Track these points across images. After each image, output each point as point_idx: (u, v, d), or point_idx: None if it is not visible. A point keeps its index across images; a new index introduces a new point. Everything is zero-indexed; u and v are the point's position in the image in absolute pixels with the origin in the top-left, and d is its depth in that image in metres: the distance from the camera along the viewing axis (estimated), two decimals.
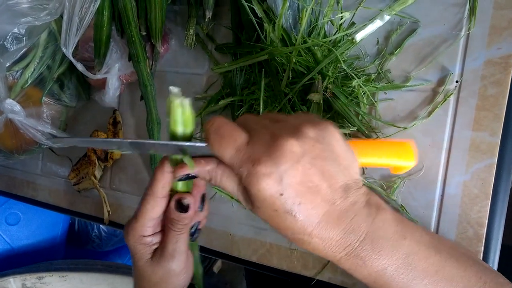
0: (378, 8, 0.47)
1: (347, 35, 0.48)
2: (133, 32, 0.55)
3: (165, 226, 0.37)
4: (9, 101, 0.56)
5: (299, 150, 0.28)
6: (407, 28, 0.47)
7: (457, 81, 0.44)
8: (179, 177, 0.34)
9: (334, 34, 0.48)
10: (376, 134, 0.47)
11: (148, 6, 0.55)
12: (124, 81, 0.62)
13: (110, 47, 0.57)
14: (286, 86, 0.48)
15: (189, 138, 0.32)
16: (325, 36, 0.48)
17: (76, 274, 0.86)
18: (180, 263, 0.37)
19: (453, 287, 0.29)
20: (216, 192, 0.56)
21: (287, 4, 0.45)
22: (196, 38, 0.57)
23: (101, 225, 1.13)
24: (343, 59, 0.47)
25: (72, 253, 1.11)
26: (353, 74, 0.47)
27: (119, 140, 0.34)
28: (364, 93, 0.47)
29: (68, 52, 0.52)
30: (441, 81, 0.45)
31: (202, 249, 0.57)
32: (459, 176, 0.44)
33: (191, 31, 0.56)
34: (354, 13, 0.48)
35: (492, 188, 0.42)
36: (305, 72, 0.48)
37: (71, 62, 0.55)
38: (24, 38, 0.56)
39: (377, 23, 0.47)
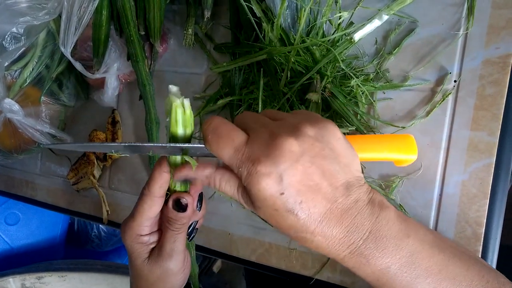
0: (377, 8, 0.47)
1: (345, 35, 0.48)
2: (132, 31, 0.55)
3: (163, 225, 0.37)
4: (7, 101, 0.56)
5: (298, 149, 0.28)
6: (406, 27, 0.47)
7: (455, 81, 0.44)
8: (177, 180, 0.34)
9: (333, 34, 0.48)
10: (375, 134, 0.47)
11: (146, 5, 0.55)
12: (123, 80, 0.61)
13: (108, 47, 0.57)
14: (285, 86, 0.48)
15: (189, 138, 0.32)
16: (323, 35, 0.48)
17: (75, 274, 0.86)
18: (178, 263, 0.37)
19: (456, 285, 0.29)
20: (215, 192, 0.56)
21: (286, 3, 0.45)
22: (195, 38, 0.57)
23: (100, 225, 1.13)
24: (341, 59, 0.47)
25: (71, 253, 1.11)
26: (351, 74, 0.47)
27: (116, 144, 0.33)
28: (362, 93, 0.47)
29: (67, 51, 0.52)
30: (440, 81, 0.45)
31: (201, 248, 0.57)
32: (458, 176, 0.44)
33: (190, 30, 0.56)
34: (353, 12, 0.48)
35: (490, 187, 0.42)
36: (304, 71, 0.48)
37: (69, 62, 0.55)
38: (22, 38, 0.56)
39: (376, 23, 0.47)
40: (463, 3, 0.44)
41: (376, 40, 0.48)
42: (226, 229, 0.56)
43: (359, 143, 0.37)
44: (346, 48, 0.48)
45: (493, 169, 0.42)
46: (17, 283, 0.84)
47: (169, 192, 0.36)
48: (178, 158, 0.33)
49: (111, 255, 1.19)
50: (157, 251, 0.37)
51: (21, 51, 0.56)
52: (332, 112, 0.48)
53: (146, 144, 0.33)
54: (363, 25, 0.47)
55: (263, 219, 0.53)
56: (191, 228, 0.38)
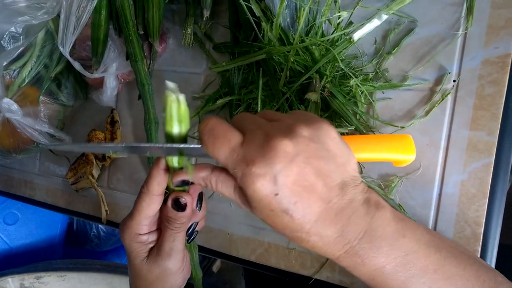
0: (376, 7, 0.47)
1: (344, 34, 0.48)
2: (131, 31, 0.55)
3: (162, 224, 0.37)
4: (6, 100, 0.56)
5: (292, 150, 0.28)
6: (405, 27, 0.47)
7: (454, 81, 0.44)
8: (175, 183, 0.34)
9: (332, 33, 0.48)
10: (374, 133, 0.47)
11: (145, 5, 0.55)
12: (122, 80, 0.61)
13: (107, 46, 0.57)
14: (284, 85, 0.48)
15: (184, 135, 0.32)
16: (322, 35, 0.48)
17: (74, 274, 0.86)
18: (177, 262, 0.37)
19: (452, 285, 0.29)
20: (214, 191, 0.56)
21: (285, 3, 0.45)
22: (194, 37, 0.57)
23: (99, 225, 1.13)
24: (340, 59, 0.47)
25: (70, 253, 1.11)
26: (351, 74, 0.47)
27: (113, 145, 0.33)
28: (361, 93, 0.47)
29: (66, 51, 0.52)
30: (439, 81, 0.45)
31: (201, 248, 0.57)
32: (457, 175, 0.44)
33: (189, 30, 0.56)
34: (352, 12, 0.48)
35: (489, 187, 0.42)
36: (303, 71, 0.48)
37: (68, 61, 0.54)
38: (21, 37, 0.56)
39: (375, 22, 0.47)
40: (462, 3, 0.44)
41: (376, 40, 0.48)
42: (226, 229, 0.56)
43: (357, 143, 0.37)
44: (345, 48, 0.48)
45: (492, 168, 0.42)
46: (16, 283, 0.84)
47: (168, 191, 0.36)
48: (175, 159, 0.33)
49: (110, 255, 1.19)
50: (156, 250, 0.37)
51: (19, 50, 0.56)
52: (331, 111, 0.48)
53: (143, 145, 0.33)
54: (363, 25, 0.47)
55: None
56: (191, 230, 0.38)
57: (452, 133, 0.44)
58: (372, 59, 0.48)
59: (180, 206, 0.35)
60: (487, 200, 0.42)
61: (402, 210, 0.46)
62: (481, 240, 0.43)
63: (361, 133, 0.47)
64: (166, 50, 0.61)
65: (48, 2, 0.53)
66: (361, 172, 0.48)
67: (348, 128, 0.46)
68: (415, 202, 0.45)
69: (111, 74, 0.58)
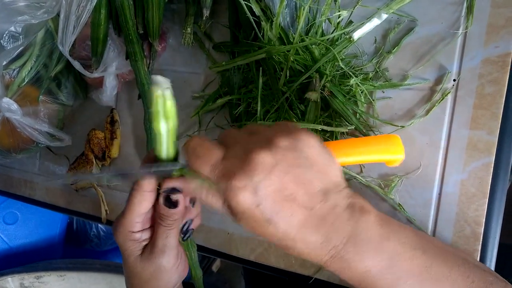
0: (376, 7, 0.47)
1: (344, 34, 0.48)
2: (131, 30, 0.55)
3: (155, 221, 0.37)
4: (6, 100, 0.56)
5: (271, 161, 0.29)
6: (405, 26, 0.47)
7: (454, 80, 0.44)
8: (164, 190, 0.34)
9: (332, 33, 0.48)
10: (374, 133, 0.47)
11: (145, 4, 0.54)
12: (122, 79, 0.61)
13: (107, 46, 0.57)
14: (284, 85, 0.48)
15: (173, 131, 0.32)
16: (322, 34, 0.48)
17: (74, 273, 0.86)
18: (171, 259, 0.37)
19: (439, 286, 0.30)
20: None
21: (285, 2, 0.45)
22: (193, 37, 0.57)
23: (99, 225, 1.13)
24: (340, 58, 0.47)
25: (70, 253, 1.11)
26: (350, 73, 0.47)
27: (104, 174, 0.34)
28: (361, 92, 0.47)
29: (65, 50, 0.52)
30: (439, 80, 0.45)
31: (200, 248, 0.57)
32: (457, 175, 0.44)
33: (189, 29, 0.56)
34: (352, 11, 0.48)
35: (489, 186, 0.42)
36: (303, 70, 0.48)
37: (68, 61, 0.54)
38: (20, 37, 0.56)
39: (375, 22, 0.47)
40: (462, 2, 0.44)
41: (375, 39, 0.48)
42: (225, 228, 0.56)
43: (344, 148, 0.37)
44: (345, 47, 0.48)
45: (492, 168, 0.42)
46: (16, 283, 0.84)
47: (160, 187, 0.36)
48: (164, 152, 0.33)
49: (110, 255, 1.19)
50: (149, 248, 0.37)
51: (19, 50, 0.56)
52: (331, 111, 0.48)
53: (133, 172, 0.34)
54: (362, 24, 0.47)
55: None
56: (186, 227, 0.38)
57: (452, 133, 0.44)
58: (372, 59, 0.48)
59: (171, 203, 0.35)
60: (487, 199, 0.42)
61: (402, 209, 0.46)
62: (481, 240, 0.43)
63: (361, 132, 0.47)
64: (166, 49, 0.61)
65: (47, 2, 0.52)
66: (360, 171, 0.48)
67: (348, 128, 0.46)
68: (415, 202, 0.45)
69: (111, 74, 0.58)
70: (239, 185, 0.29)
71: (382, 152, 0.37)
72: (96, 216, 0.67)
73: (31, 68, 0.60)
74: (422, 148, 0.45)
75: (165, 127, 0.31)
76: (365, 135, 0.47)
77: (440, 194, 0.44)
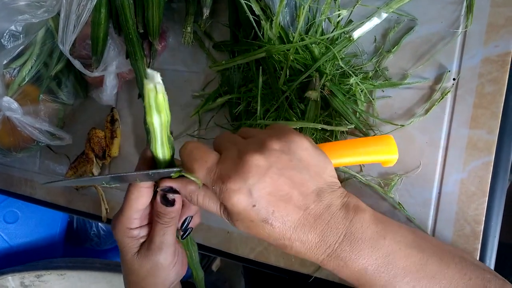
0: (376, 6, 0.47)
1: (344, 33, 0.48)
2: (131, 29, 0.55)
3: (153, 218, 0.37)
4: (6, 99, 0.56)
5: (265, 163, 0.30)
6: (405, 25, 0.47)
7: (454, 79, 0.44)
8: (162, 188, 0.34)
9: (332, 32, 0.48)
10: (374, 132, 0.47)
11: (145, 3, 0.54)
12: (122, 78, 0.61)
13: (107, 45, 0.57)
14: (284, 84, 0.48)
15: (165, 125, 0.31)
16: (322, 33, 0.48)
17: (74, 272, 0.87)
18: (168, 256, 0.37)
19: (436, 284, 0.30)
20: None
21: (284, 1, 0.45)
22: (193, 36, 0.57)
23: (99, 223, 1.13)
24: (340, 57, 0.47)
25: (70, 252, 1.11)
26: (350, 72, 0.47)
27: (102, 176, 0.35)
28: (361, 91, 0.47)
29: (65, 49, 0.52)
30: (439, 79, 0.45)
31: (200, 246, 0.57)
32: (456, 174, 0.44)
33: (189, 28, 0.56)
34: (352, 10, 0.48)
35: (489, 185, 0.42)
36: (303, 69, 0.48)
37: (68, 60, 0.54)
38: (21, 36, 0.56)
39: (375, 21, 0.47)
40: (462, 1, 0.44)
41: (375, 38, 0.48)
42: (225, 227, 0.56)
43: (338, 149, 0.37)
44: (345, 46, 0.48)
45: (492, 167, 0.42)
46: (16, 281, 0.84)
47: (157, 184, 0.36)
48: (159, 150, 0.33)
49: (110, 254, 1.19)
50: (146, 245, 0.37)
51: (19, 49, 0.56)
52: (331, 110, 0.48)
53: (130, 173, 0.34)
54: (362, 23, 0.47)
55: None
56: (185, 225, 0.38)
57: (452, 132, 0.44)
58: (372, 58, 0.48)
59: (168, 201, 0.35)
60: (487, 198, 0.42)
61: (402, 208, 0.46)
62: (480, 239, 0.43)
63: (361, 131, 0.47)
64: (166, 48, 0.61)
65: (48, 1, 0.53)
66: (360, 171, 0.48)
67: (348, 127, 0.46)
68: (415, 201, 0.45)
69: (111, 73, 0.58)
70: (234, 187, 0.29)
71: (376, 153, 0.37)
72: (96, 215, 0.67)
73: (31, 67, 0.60)
74: (422, 147, 0.45)
75: (158, 121, 0.30)
76: (365, 134, 0.47)
77: (440, 193, 0.44)
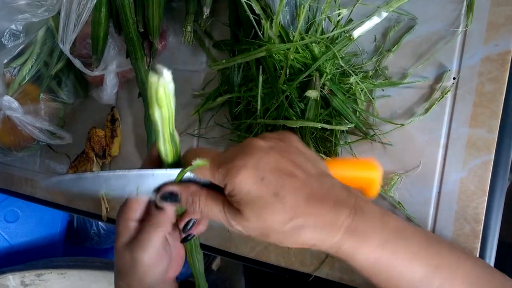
0: (376, 5, 0.47)
1: (344, 32, 0.48)
2: (131, 29, 0.55)
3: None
4: (6, 98, 0.56)
5: (266, 145, 0.31)
6: (405, 25, 0.47)
7: (454, 78, 0.44)
8: (162, 194, 0.34)
9: (332, 31, 0.48)
10: (374, 131, 0.47)
11: (145, 2, 0.55)
12: (122, 78, 0.61)
13: (107, 44, 0.57)
14: (284, 83, 0.48)
15: (167, 119, 0.31)
16: (322, 33, 0.48)
17: (75, 271, 0.87)
18: (150, 256, 0.36)
19: (446, 264, 0.31)
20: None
21: (285, 0, 0.45)
22: (193, 35, 0.57)
23: (100, 222, 1.13)
24: (340, 56, 0.47)
25: (71, 251, 1.11)
26: (350, 71, 0.47)
27: (106, 174, 0.35)
28: (361, 90, 0.47)
29: (66, 49, 0.52)
30: (439, 78, 0.45)
31: (200, 246, 0.57)
32: (456, 173, 0.44)
33: (189, 28, 0.56)
34: (352, 9, 0.48)
35: (489, 184, 0.42)
36: (303, 69, 0.48)
37: (68, 59, 0.54)
38: (21, 35, 0.56)
39: (375, 20, 0.47)
40: (462, 0, 0.44)
41: (375, 37, 0.48)
42: (225, 226, 0.56)
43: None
44: (345, 45, 0.48)
45: (491, 166, 0.42)
46: (17, 280, 0.84)
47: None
48: (161, 143, 0.33)
49: (110, 253, 1.19)
50: (134, 239, 0.38)
51: (20, 48, 0.56)
52: (331, 109, 0.48)
53: (135, 172, 0.34)
54: (362, 22, 0.47)
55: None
56: (187, 228, 0.38)
57: (452, 131, 0.44)
58: (372, 57, 0.48)
59: (156, 206, 0.36)
60: (487, 197, 0.42)
61: (402, 207, 0.46)
62: (480, 238, 0.43)
63: (360, 130, 0.47)
64: (166, 48, 0.61)
65: (48, 0, 0.53)
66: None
67: (348, 126, 0.46)
68: (415, 200, 0.46)
69: (111, 72, 0.58)
70: (241, 163, 0.30)
71: (360, 171, 0.38)
72: (96, 214, 0.67)
73: (31, 66, 0.60)
74: (422, 146, 0.45)
75: (159, 115, 0.30)
76: (364, 133, 0.47)
77: (439, 192, 0.44)
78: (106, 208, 0.65)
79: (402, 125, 0.46)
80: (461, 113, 0.44)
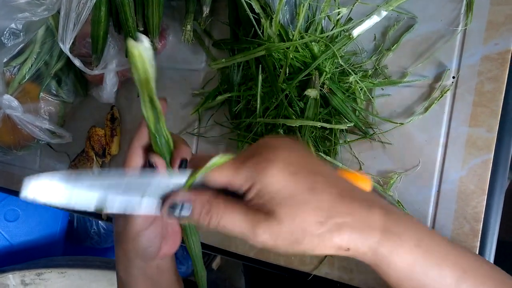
0: (375, 4, 0.47)
1: (344, 31, 0.48)
2: (131, 28, 0.55)
3: None
4: (6, 97, 0.56)
5: (285, 144, 0.29)
6: (404, 24, 0.47)
7: (454, 77, 0.44)
8: (172, 202, 0.31)
9: (331, 30, 0.48)
10: (373, 130, 0.47)
11: (145, 1, 0.55)
12: (122, 77, 0.61)
13: (107, 43, 0.57)
14: (283, 82, 0.48)
15: (145, 84, 0.32)
16: (322, 31, 0.48)
17: (75, 270, 0.87)
18: (143, 221, 0.35)
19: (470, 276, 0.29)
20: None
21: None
22: (193, 34, 0.57)
23: (100, 222, 1.13)
24: (340, 55, 0.47)
25: (71, 250, 1.11)
26: (350, 70, 0.47)
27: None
28: (361, 89, 0.47)
29: (66, 47, 0.52)
30: (438, 77, 0.45)
31: (200, 245, 0.57)
32: (456, 172, 0.44)
33: (189, 26, 0.56)
34: (351, 8, 0.48)
35: (488, 183, 0.42)
36: (302, 67, 0.48)
37: (68, 58, 0.54)
38: (21, 34, 0.56)
39: (374, 19, 0.47)
40: None
41: (375, 36, 0.48)
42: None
43: None
44: (344, 44, 0.48)
45: (491, 165, 0.42)
46: (17, 280, 0.84)
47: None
48: (144, 113, 0.33)
49: (110, 252, 1.19)
50: None
51: (19, 47, 0.56)
52: (330, 108, 0.48)
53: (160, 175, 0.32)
54: (362, 21, 0.47)
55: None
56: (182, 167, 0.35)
57: (451, 130, 0.44)
58: (372, 56, 0.48)
59: (151, 167, 0.34)
60: (486, 196, 0.42)
61: (401, 206, 0.46)
62: (479, 237, 0.43)
63: (360, 129, 0.47)
64: (165, 47, 0.61)
65: None
66: (360, 169, 0.48)
67: (348, 125, 0.46)
68: (414, 199, 0.46)
69: (111, 71, 0.58)
70: (270, 156, 0.27)
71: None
72: (96, 213, 0.67)
73: (31, 65, 0.60)
74: (421, 145, 0.45)
75: (136, 76, 0.31)
76: (364, 132, 0.47)
77: (439, 191, 0.44)
78: None
79: (402, 124, 0.46)
80: (460, 112, 0.44)
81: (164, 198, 0.32)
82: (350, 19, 0.49)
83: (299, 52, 0.48)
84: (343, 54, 0.48)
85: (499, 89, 0.42)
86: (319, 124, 0.45)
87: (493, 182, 0.42)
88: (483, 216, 0.43)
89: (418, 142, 0.45)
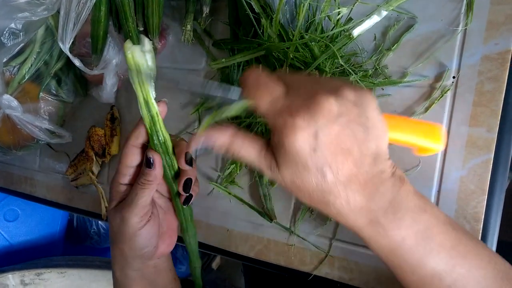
0: (376, 4, 0.47)
1: (344, 31, 0.48)
2: (130, 27, 0.55)
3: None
4: (6, 97, 0.56)
5: (336, 110, 0.28)
6: (405, 23, 0.47)
7: (454, 77, 0.44)
8: (195, 143, 0.33)
9: (332, 30, 0.48)
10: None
11: (145, 1, 0.55)
12: (122, 76, 0.61)
13: (107, 43, 0.57)
14: None
15: (138, 84, 0.34)
16: (322, 31, 0.48)
17: (74, 270, 0.87)
18: (137, 215, 0.38)
19: (467, 263, 0.30)
20: (213, 188, 0.56)
21: None
22: (193, 34, 0.57)
23: (99, 222, 1.13)
24: (340, 55, 0.47)
25: (70, 250, 1.11)
26: (350, 70, 0.47)
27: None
28: None
29: (65, 47, 0.52)
30: (438, 77, 0.45)
31: (200, 245, 0.57)
32: (456, 172, 0.44)
33: (189, 26, 0.56)
34: (352, 8, 0.48)
35: (488, 183, 0.42)
36: (303, 67, 0.48)
37: (68, 58, 0.54)
38: (21, 33, 0.56)
39: (374, 19, 0.47)
40: None
41: (375, 36, 0.48)
42: (225, 225, 0.56)
43: (390, 122, 0.36)
44: (345, 44, 0.48)
45: (491, 165, 0.42)
46: (17, 279, 0.84)
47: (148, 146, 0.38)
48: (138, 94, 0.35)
49: (110, 252, 1.19)
50: (123, 200, 0.39)
51: (19, 47, 0.56)
52: None
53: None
54: (362, 21, 0.47)
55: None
56: (187, 188, 0.38)
57: (452, 130, 0.44)
58: (372, 56, 0.48)
59: (148, 162, 0.36)
60: (486, 196, 0.42)
61: None
62: (480, 237, 0.43)
63: None
64: (165, 46, 0.61)
65: None
66: None
67: None
68: None
69: (111, 71, 0.58)
70: (302, 124, 0.28)
71: (423, 137, 0.36)
72: (96, 213, 0.67)
73: (31, 65, 0.60)
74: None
75: (131, 77, 0.32)
76: None
77: (439, 191, 0.44)
78: (106, 207, 0.65)
79: None
80: (460, 112, 0.44)
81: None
82: (350, 19, 0.49)
83: (299, 52, 0.48)
84: (343, 54, 0.48)
85: (499, 89, 0.42)
86: None
87: (493, 182, 0.42)
88: (483, 216, 0.43)
89: None
